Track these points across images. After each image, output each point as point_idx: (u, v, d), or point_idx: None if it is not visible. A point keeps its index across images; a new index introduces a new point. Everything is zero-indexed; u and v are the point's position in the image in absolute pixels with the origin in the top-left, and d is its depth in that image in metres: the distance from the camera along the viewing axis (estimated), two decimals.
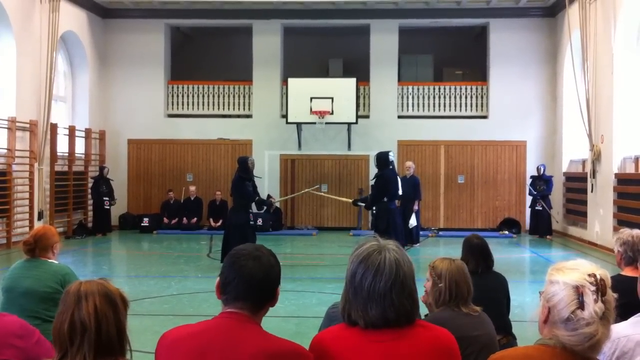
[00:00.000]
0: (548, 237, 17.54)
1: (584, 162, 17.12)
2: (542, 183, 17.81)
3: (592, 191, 15.96)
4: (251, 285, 2.40)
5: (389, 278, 2.27)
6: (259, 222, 18.22)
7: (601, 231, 15.40)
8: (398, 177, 13.13)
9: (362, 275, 2.30)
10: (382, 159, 12.98)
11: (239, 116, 20.32)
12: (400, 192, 13.08)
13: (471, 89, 19.91)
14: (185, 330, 2.43)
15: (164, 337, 2.44)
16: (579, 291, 2.10)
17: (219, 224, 18.28)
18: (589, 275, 2.12)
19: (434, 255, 3.85)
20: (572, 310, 2.10)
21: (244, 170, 12.37)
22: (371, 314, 2.27)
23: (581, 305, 2.09)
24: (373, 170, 19.43)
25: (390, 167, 12.96)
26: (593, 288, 2.10)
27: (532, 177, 18.30)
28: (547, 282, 2.20)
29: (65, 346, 2.23)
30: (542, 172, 17.90)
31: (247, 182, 12.30)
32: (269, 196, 16.48)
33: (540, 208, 17.62)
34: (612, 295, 2.14)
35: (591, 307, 2.08)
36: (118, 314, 2.29)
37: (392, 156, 13.15)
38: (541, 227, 17.71)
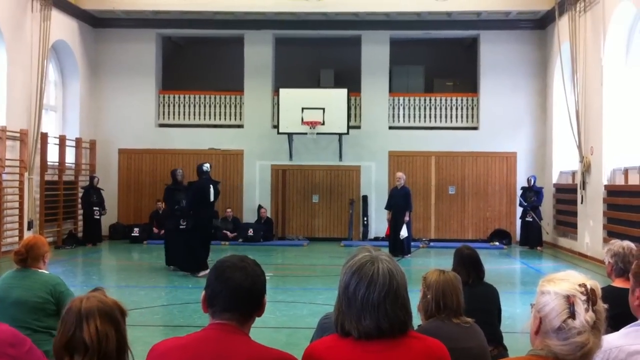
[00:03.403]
0: (538, 248, 17.58)
1: (573, 173, 17.19)
2: (532, 194, 17.87)
3: (582, 203, 16.03)
4: (239, 296, 2.41)
5: (383, 288, 2.28)
6: (250, 232, 18.23)
7: (591, 242, 15.46)
8: (211, 186, 13.05)
9: (356, 286, 2.30)
10: (197, 170, 13.27)
11: (230, 126, 20.31)
12: (212, 199, 13.11)
13: (462, 100, 20.00)
14: (174, 342, 2.44)
15: (154, 349, 2.45)
16: (570, 301, 2.13)
17: None
18: (580, 285, 2.15)
19: (425, 266, 3.86)
20: (563, 320, 2.12)
21: (173, 181, 14.00)
22: (365, 324, 2.28)
23: (572, 315, 2.12)
24: (365, 181, 19.61)
25: (204, 176, 13.09)
26: (584, 298, 2.13)
27: (522, 188, 18.38)
28: (539, 293, 2.22)
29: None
30: (532, 183, 17.98)
31: (175, 192, 13.70)
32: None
33: (531, 219, 17.66)
34: (602, 305, 2.17)
35: (582, 316, 2.11)
36: (119, 330, 2.40)
37: (207, 167, 13.26)
38: (531, 238, 17.74)
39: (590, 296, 2.13)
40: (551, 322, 2.15)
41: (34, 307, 4.65)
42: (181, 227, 13.29)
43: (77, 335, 2.34)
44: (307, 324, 8.14)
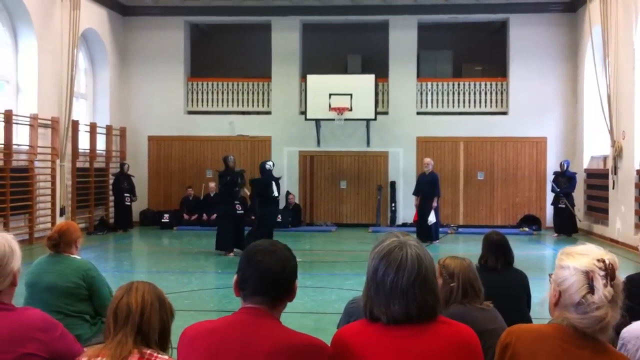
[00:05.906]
0: (573, 235, 17.16)
1: (605, 158, 16.96)
2: (565, 180, 17.34)
3: (613, 188, 15.82)
4: (269, 280, 2.44)
5: (411, 274, 2.28)
6: (279, 218, 18.25)
7: (623, 228, 15.27)
8: (273, 182, 13.91)
9: (384, 272, 2.31)
10: (260, 167, 14.17)
11: (258, 113, 20.36)
12: (275, 194, 13.87)
13: (491, 85, 19.80)
14: (205, 325, 2.47)
15: (185, 332, 2.48)
16: (589, 276, 2.18)
17: None
18: (598, 260, 2.20)
19: (454, 253, 3.85)
20: (582, 295, 2.18)
21: (225, 167, 14.01)
22: (394, 310, 2.28)
23: (591, 290, 2.17)
24: (392, 167, 19.55)
25: (267, 174, 13.83)
26: (602, 273, 2.18)
27: (555, 173, 17.87)
28: (558, 267, 2.27)
29: (111, 327, 2.48)
30: (565, 168, 17.45)
31: (228, 178, 13.78)
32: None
33: (563, 206, 17.11)
34: (620, 279, 2.21)
35: (601, 291, 2.16)
36: (164, 309, 2.53)
37: (270, 165, 14.16)
38: (566, 226, 17.13)
39: (608, 271, 2.18)
40: (571, 297, 2.21)
41: (66, 291, 4.72)
42: (238, 212, 13.67)
43: (122, 300, 2.49)
44: (335, 309, 8.17)
